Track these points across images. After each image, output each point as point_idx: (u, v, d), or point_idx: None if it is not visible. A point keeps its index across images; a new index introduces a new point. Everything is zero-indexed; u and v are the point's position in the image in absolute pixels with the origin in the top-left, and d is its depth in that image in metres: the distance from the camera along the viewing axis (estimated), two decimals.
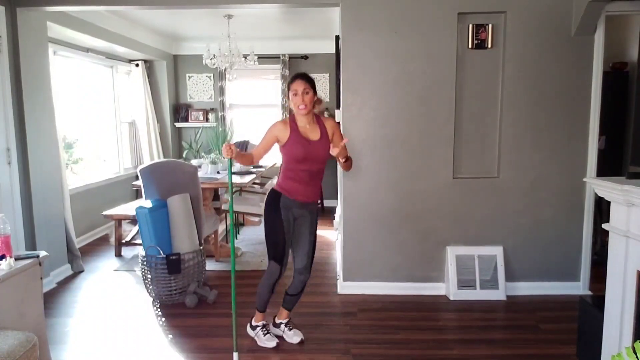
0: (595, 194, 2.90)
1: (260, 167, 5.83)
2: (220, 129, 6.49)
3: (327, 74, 6.92)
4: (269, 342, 2.90)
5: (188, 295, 3.51)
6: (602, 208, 3.95)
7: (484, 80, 3.57)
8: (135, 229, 4.75)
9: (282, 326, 3.00)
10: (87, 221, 5.31)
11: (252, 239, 5.38)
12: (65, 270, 4.19)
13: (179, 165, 4.00)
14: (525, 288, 3.66)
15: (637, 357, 1.25)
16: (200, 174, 4.46)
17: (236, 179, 4.80)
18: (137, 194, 6.05)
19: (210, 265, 4.35)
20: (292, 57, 6.90)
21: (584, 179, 2.77)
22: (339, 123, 3.22)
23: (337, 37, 4.73)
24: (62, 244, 4.18)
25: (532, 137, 3.56)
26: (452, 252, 3.64)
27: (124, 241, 4.86)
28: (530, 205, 3.62)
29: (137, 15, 5.25)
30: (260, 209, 5.03)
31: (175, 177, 3.82)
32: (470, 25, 3.51)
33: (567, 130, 3.54)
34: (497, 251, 3.64)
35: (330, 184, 6.50)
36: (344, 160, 2.65)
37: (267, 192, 2.84)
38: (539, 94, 3.51)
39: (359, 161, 3.59)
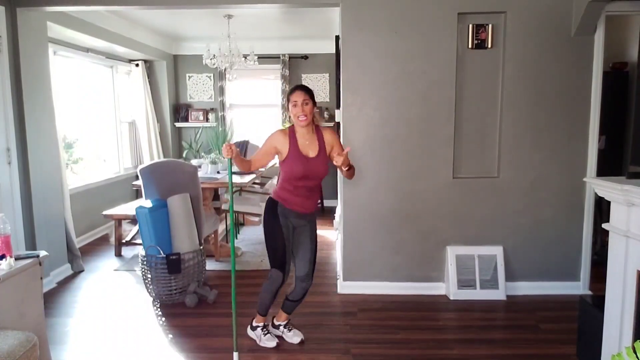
0: (595, 193, 2.90)
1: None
2: (220, 129, 6.49)
3: (327, 74, 6.92)
4: (269, 342, 2.90)
5: (188, 295, 3.51)
6: (602, 208, 3.95)
7: (484, 80, 3.57)
8: (135, 228, 4.75)
9: (281, 327, 3.00)
10: (87, 221, 5.31)
11: (252, 238, 5.38)
12: (65, 270, 4.19)
13: (179, 165, 4.01)
14: (525, 288, 3.66)
15: (637, 357, 1.25)
16: (200, 173, 4.46)
17: (236, 179, 4.81)
18: (137, 194, 6.05)
19: (210, 265, 4.35)
20: (292, 57, 6.89)
21: (584, 179, 2.78)
22: (338, 130, 3.21)
23: (337, 37, 4.74)
24: (62, 243, 4.18)
25: (532, 137, 3.56)
26: (452, 252, 3.64)
27: (124, 241, 4.86)
28: (530, 205, 3.62)
29: (137, 15, 5.25)
30: (260, 209, 5.03)
31: (175, 177, 3.82)
32: (470, 25, 3.51)
33: (567, 130, 3.54)
34: (497, 251, 3.64)
35: (330, 184, 6.51)
36: (346, 169, 2.64)
37: (267, 199, 2.85)
38: (539, 94, 3.52)
39: (359, 161, 3.59)
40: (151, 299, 3.64)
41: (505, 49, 3.49)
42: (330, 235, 5.39)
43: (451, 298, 3.59)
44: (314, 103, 2.67)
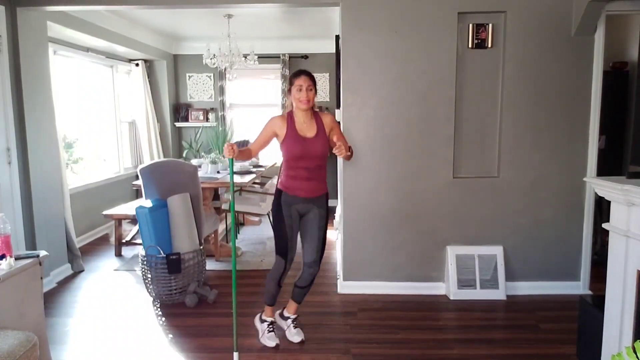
0: (596, 193, 2.90)
1: (260, 167, 5.84)
2: (220, 128, 6.49)
3: (327, 74, 6.92)
4: (269, 341, 2.90)
5: (188, 295, 3.51)
6: (602, 208, 3.95)
7: (484, 80, 3.57)
8: (135, 228, 4.75)
9: (289, 321, 3.01)
10: (87, 221, 5.31)
11: (252, 238, 5.38)
12: (66, 269, 4.19)
13: (179, 165, 4.01)
14: (525, 288, 3.66)
15: (637, 357, 1.25)
16: (200, 173, 4.46)
17: (236, 179, 4.80)
18: (137, 194, 6.05)
19: (210, 265, 4.35)
20: (292, 57, 6.89)
21: (584, 179, 2.78)
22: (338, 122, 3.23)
23: (337, 37, 4.74)
24: (62, 243, 4.18)
25: (532, 137, 3.56)
26: (452, 252, 3.64)
27: (124, 241, 4.86)
28: (530, 205, 3.62)
29: (137, 15, 5.25)
30: (260, 209, 5.04)
31: (175, 177, 3.82)
32: (470, 25, 3.51)
33: (567, 130, 3.54)
34: (497, 251, 3.64)
35: (330, 184, 6.43)
36: (348, 153, 2.70)
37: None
38: (539, 94, 3.51)
39: (359, 161, 3.60)
40: (151, 299, 3.64)
41: (505, 49, 3.49)
42: (331, 235, 5.39)
43: (451, 298, 3.59)
44: (316, 91, 2.73)
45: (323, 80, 6.96)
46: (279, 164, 5.59)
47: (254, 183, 5.80)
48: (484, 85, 3.58)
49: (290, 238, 2.79)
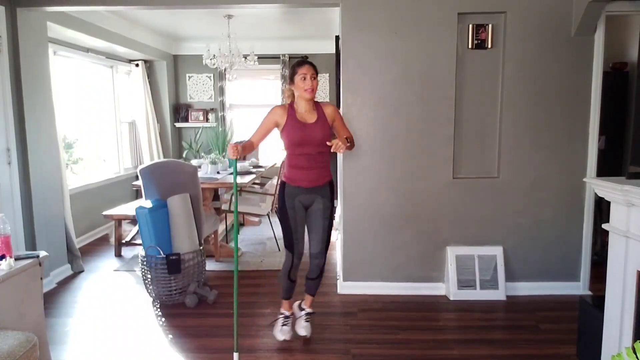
0: (595, 194, 2.90)
1: (260, 167, 5.84)
2: (220, 129, 6.50)
3: (327, 74, 6.92)
4: (279, 335, 2.94)
5: (188, 295, 3.51)
6: (602, 208, 3.95)
7: (484, 80, 3.57)
8: (135, 229, 4.75)
9: (303, 313, 3.05)
10: (87, 221, 5.31)
11: (252, 239, 5.38)
12: (65, 270, 4.19)
13: (179, 165, 4.00)
14: (525, 288, 3.66)
15: (637, 357, 1.25)
16: (200, 174, 4.46)
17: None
18: (137, 194, 6.05)
19: (210, 265, 4.35)
20: (292, 57, 6.89)
21: (584, 179, 2.77)
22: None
23: (337, 37, 4.74)
24: (62, 244, 4.18)
25: (532, 137, 3.56)
26: (452, 252, 3.64)
27: (124, 241, 4.86)
28: (530, 205, 3.62)
29: (137, 15, 5.25)
30: (260, 209, 5.04)
31: (175, 177, 3.82)
32: (470, 25, 3.51)
33: (567, 130, 3.54)
34: (497, 251, 3.64)
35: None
36: (347, 144, 2.69)
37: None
38: (539, 94, 3.51)
39: (359, 161, 3.60)
40: (151, 299, 3.64)
41: (505, 49, 3.49)
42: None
43: (451, 298, 3.59)
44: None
45: (323, 81, 6.96)
46: (279, 165, 5.59)
47: (254, 183, 5.80)
48: (484, 85, 3.58)
49: (295, 230, 2.81)
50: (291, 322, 3.02)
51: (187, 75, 7.16)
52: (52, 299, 3.65)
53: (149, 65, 6.67)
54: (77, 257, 4.33)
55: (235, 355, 2.61)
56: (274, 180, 5.71)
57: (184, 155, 6.77)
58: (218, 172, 5.11)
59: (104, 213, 4.78)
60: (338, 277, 3.90)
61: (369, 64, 3.54)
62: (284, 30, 6.14)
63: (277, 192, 2.89)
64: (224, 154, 5.67)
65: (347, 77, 3.58)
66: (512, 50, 3.48)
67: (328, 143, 2.67)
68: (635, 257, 2.06)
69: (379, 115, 3.58)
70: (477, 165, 3.66)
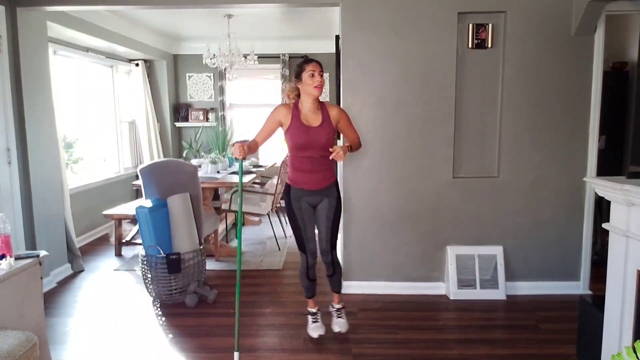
0: (596, 193, 2.90)
1: (260, 167, 5.84)
2: (220, 128, 6.50)
3: (327, 74, 6.92)
4: (313, 332, 2.96)
5: (188, 295, 3.51)
6: (602, 208, 3.95)
7: (484, 80, 3.57)
8: (135, 228, 4.75)
9: (333, 310, 3.08)
10: (87, 221, 5.31)
11: (252, 238, 5.38)
12: (66, 269, 4.19)
13: (179, 165, 4.00)
14: (525, 288, 3.66)
15: (637, 357, 1.25)
16: (200, 173, 4.46)
17: (236, 179, 4.80)
18: (137, 194, 6.05)
19: (210, 265, 4.35)
20: (292, 57, 6.89)
21: (584, 179, 2.77)
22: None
23: (337, 37, 4.73)
24: (62, 243, 4.18)
25: (532, 137, 3.56)
26: (452, 252, 3.64)
27: (124, 241, 4.86)
28: (530, 205, 3.62)
29: (137, 15, 5.25)
30: (260, 209, 5.04)
31: (175, 177, 3.82)
32: (470, 25, 3.51)
33: (567, 130, 3.54)
34: (497, 251, 3.64)
35: None
36: (353, 148, 2.74)
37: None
38: (539, 94, 3.51)
39: (359, 161, 3.60)
40: (151, 298, 3.64)
41: (505, 49, 3.49)
42: None
43: (451, 298, 3.59)
44: None
45: None
46: (279, 164, 5.59)
47: (254, 183, 5.80)
48: (484, 85, 3.58)
49: (304, 230, 2.84)
50: (320, 318, 3.03)
51: (187, 74, 7.16)
52: (52, 299, 3.65)
53: (149, 65, 6.67)
54: (77, 257, 4.33)
55: (236, 354, 2.61)
56: (274, 180, 5.70)
57: (184, 155, 6.77)
58: (218, 172, 5.12)
59: (104, 212, 4.78)
60: None
61: (369, 63, 3.54)
62: (284, 30, 6.14)
63: (283, 194, 2.90)
64: (224, 153, 5.67)
65: (347, 77, 3.58)
66: (512, 50, 3.48)
67: (330, 149, 2.67)
68: (635, 256, 2.06)
69: (379, 115, 3.58)
70: (477, 165, 3.66)
